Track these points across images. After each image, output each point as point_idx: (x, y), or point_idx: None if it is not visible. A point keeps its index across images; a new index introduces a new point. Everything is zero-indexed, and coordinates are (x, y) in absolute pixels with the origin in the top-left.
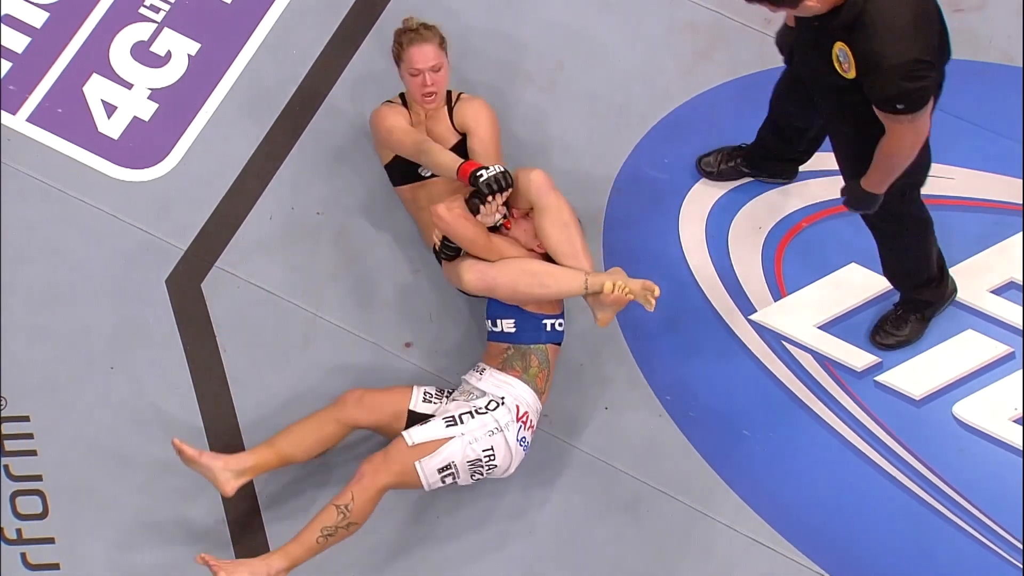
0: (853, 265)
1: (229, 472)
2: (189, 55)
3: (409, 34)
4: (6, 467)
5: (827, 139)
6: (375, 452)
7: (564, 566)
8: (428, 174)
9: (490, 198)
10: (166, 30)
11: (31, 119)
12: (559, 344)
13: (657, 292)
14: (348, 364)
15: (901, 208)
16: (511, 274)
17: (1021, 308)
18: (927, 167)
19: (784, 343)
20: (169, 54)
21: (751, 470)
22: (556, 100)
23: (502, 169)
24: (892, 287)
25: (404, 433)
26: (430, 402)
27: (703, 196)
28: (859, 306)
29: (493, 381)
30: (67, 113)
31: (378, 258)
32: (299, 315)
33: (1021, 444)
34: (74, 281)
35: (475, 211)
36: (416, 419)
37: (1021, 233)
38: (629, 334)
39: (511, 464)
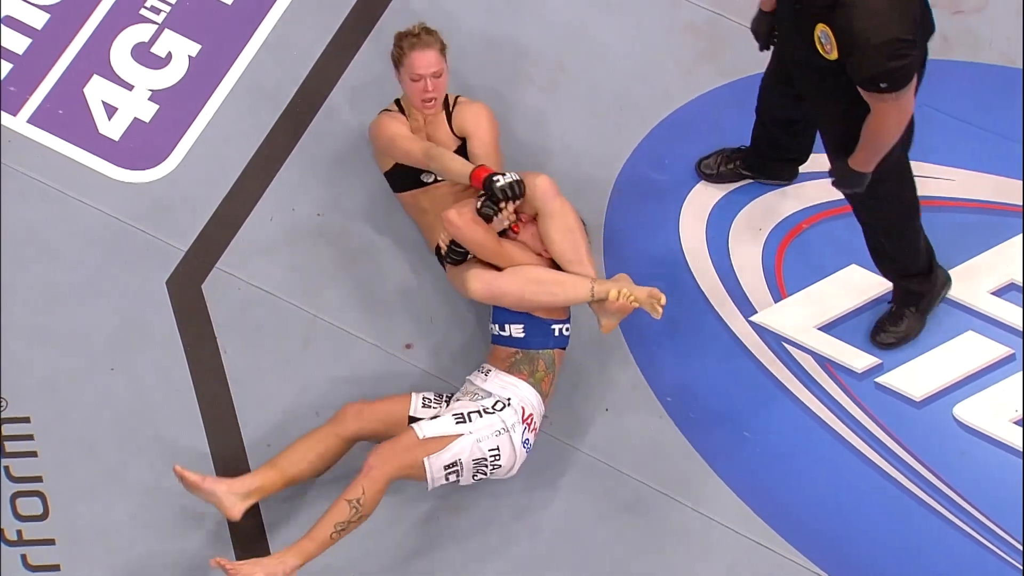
0: (853, 266)
1: (234, 496)
2: (190, 56)
3: (410, 39)
4: (6, 468)
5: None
6: (382, 444)
7: (565, 567)
8: (431, 179)
9: (503, 205)
10: (167, 31)
11: (32, 120)
12: (564, 348)
13: (663, 300)
14: (348, 365)
15: (889, 180)
16: (518, 283)
17: (1021, 309)
18: (911, 132)
19: (784, 344)
20: (170, 55)
21: (751, 471)
22: (556, 101)
23: (517, 177)
24: (888, 286)
25: (415, 426)
26: (429, 407)
27: (703, 197)
28: (859, 307)
29: (499, 383)
30: (68, 114)
31: (378, 259)
32: (299, 316)
33: (1021, 446)
34: (74, 282)
35: (488, 218)
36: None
37: (1021, 234)
38: (630, 336)
39: (514, 465)
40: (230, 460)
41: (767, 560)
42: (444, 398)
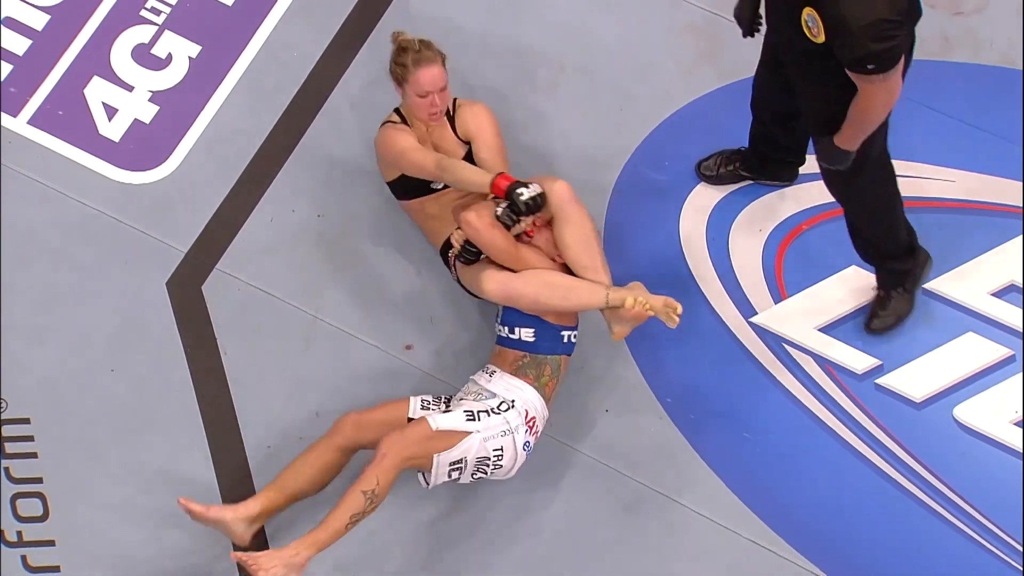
0: (853, 267)
1: (241, 522)
2: (190, 57)
3: (414, 55)
4: (6, 469)
5: None
6: (393, 432)
7: (565, 568)
8: (440, 186)
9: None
10: (167, 33)
11: (32, 121)
12: (570, 355)
13: (679, 310)
14: (348, 366)
15: (870, 172)
16: (533, 286)
17: (1021, 311)
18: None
19: (784, 345)
20: (170, 56)
21: (751, 472)
22: (556, 102)
23: (539, 189)
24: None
25: (428, 417)
26: (428, 409)
27: (703, 198)
28: (860, 308)
29: (503, 384)
30: (68, 115)
31: (379, 260)
32: (300, 317)
33: (1021, 447)
34: (74, 282)
35: (507, 225)
36: None
37: (1021, 235)
38: (630, 337)
39: (514, 467)
40: (230, 461)
41: (767, 561)
42: (443, 400)
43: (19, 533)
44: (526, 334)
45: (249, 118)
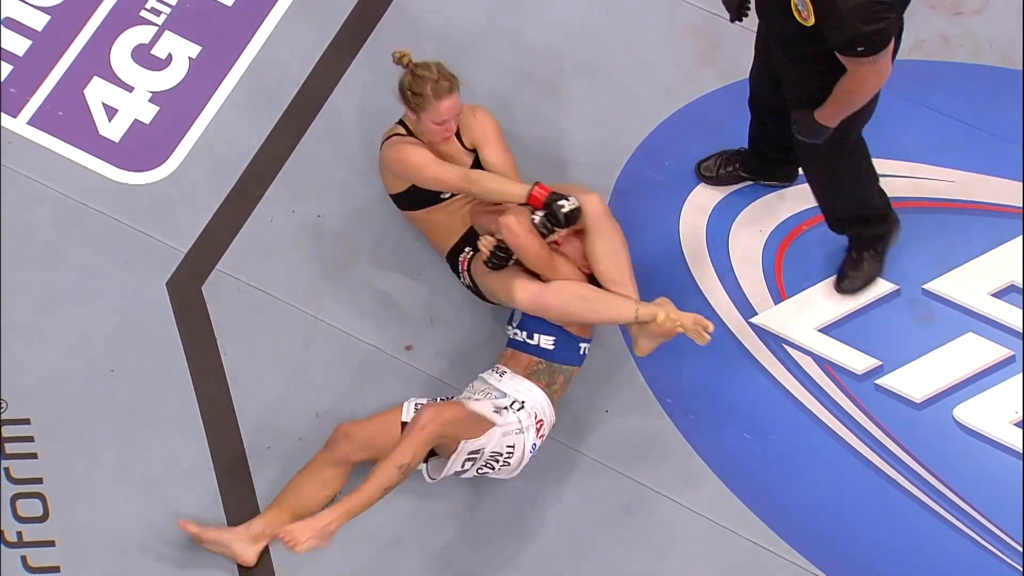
0: None
1: (242, 543)
2: (190, 58)
3: (433, 85)
4: (6, 470)
5: None
6: (430, 405)
7: (565, 568)
8: (447, 195)
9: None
10: (167, 33)
11: (32, 122)
12: (581, 367)
13: (711, 328)
14: (348, 367)
15: (844, 153)
16: (564, 297)
17: (1021, 311)
18: (872, 109)
19: (784, 346)
20: (170, 57)
21: (752, 473)
22: (556, 103)
23: (576, 203)
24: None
25: (463, 401)
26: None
27: (703, 199)
28: (860, 309)
29: (514, 385)
30: (68, 116)
31: (379, 261)
32: (300, 318)
33: (1021, 447)
34: (74, 283)
35: (543, 234)
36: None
37: (1021, 236)
38: (630, 338)
39: (519, 467)
40: (230, 461)
41: (767, 561)
42: (440, 400)
43: (19, 533)
44: (546, 342)
45: (249, 118)
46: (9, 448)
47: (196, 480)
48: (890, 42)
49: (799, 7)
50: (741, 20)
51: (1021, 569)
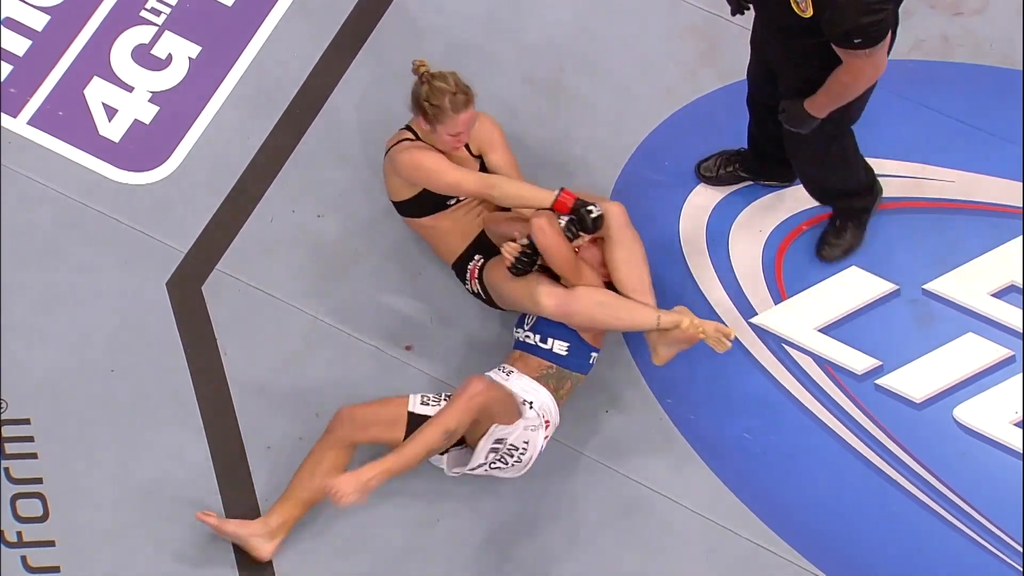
0: (853, 268)
1: (260, 538)
2: (190, 58)
3: (451, 98)
4: (6, 470)
5: None
6: (479, 378)
7: (564, 568)
8: (453, 201)
9: (583, 233)
10: (167, 33)
11: (32, 122)
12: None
13: (732, 335)
14: (348, 367)
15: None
16: (587, 304)
17: (1021, 311)
18: (863, 105)
19: (784, 346)
20: (170, 57)
21: (751, 473)
22: (556, 103)
23: (600, 211)
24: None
25: (503, 383)
26: (428, 404)
27: (703, 199)
28: (859, 309)
29: (521, 384)
30: (68, 116)
31: (379, 261)
32: (299, 318)
33: (1021, 447)
34: (74, 283)
35: (568, 239)
36: (417, 421)
37: (1021, 236)
38: (630, 338)
39: (528, 464)
40: (230, 461)
41: (767, 561)
42: (444, 397)
43: (19, 533)
44: (559, 347)
45: (249, 118)
46: (9, 448)
47: (196, 480)
48: (887, 35)
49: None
50: (743, 13)
51: (1021, 569)
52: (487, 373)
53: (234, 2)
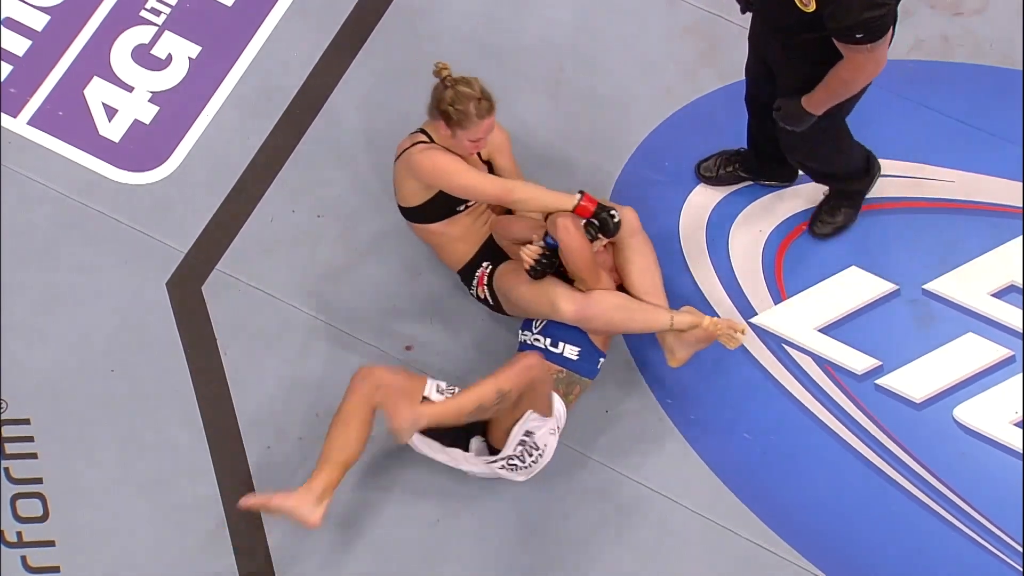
0: (853, 268)
1: (308, 506)
2: (190, 58)
3: (476, 104)
4: (6, 470)
5: None
6: (534, 355)
7: (564, 568)
8: (463, 207)
9: (601, 237)
10: (167, 33)
11: (32, 122)
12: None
13: (744, 329)
14: (348, 367)
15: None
16: (606, 308)
17: (1021, 311)
18: (861, 93)
19: (784, 346)
20: (170, 57)
21: (752, 473)
22: (556, 103)
23: (619, 216)
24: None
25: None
26: (442, 394)
27: (703, 199)
28: (859, 309)
29: None
30: (68, 116)
31: (378, 261)
32: (299, 318)
33: (1021, 447)
34: (74, 283)
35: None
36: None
37: (1021, 236)
38: (630, 338)
39: (536, 471)
40: (230, 461)
41: (767, 561)
42: (458, 390)
43: (19, 534)
44: (571, 351)
45: (249, 119)
46: (9, 448)
47: (196, 480)
48: (889, 30)
49: None
50: (752, 9)
51: (1021, 569)
52: None
53: (234, 2)
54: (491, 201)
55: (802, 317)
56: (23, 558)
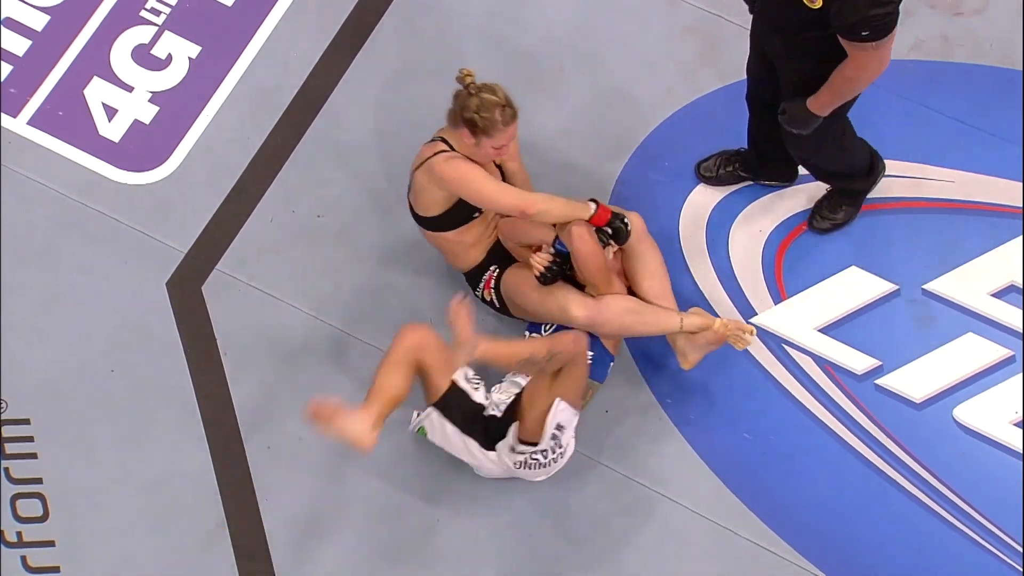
0: (853, 268)
1: (364, 429)
2: (190, 58)
3: (501, 111)
4: (6, 470)
5: None
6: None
7: (564, 568)
8: (477, 214)
9: (613, 244)
10: (167, 33)
11: (32, 122)
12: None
13: (753, 331)
14: (348, 367)
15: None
16: (617, 312)
17: (1021, 311)
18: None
19: (784, 346)
20: (170, 57)
21: (752, 473)
22: (556, 103)
23: (631, 224)
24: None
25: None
26: (468, 382)
27: (703, 199)
28: (859, 309)
29: None
30: (68, 116)
31: (378, 261)
32: (299, 318)
33: (1021, 447)
34: (74, 283)
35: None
36: (455, 392)
37: (1021, 236)
38: (630, 338)
39: (551, 473)
40: (230, 461)
41: (767, 561)
42: (484, 384)
43: (19, 534)
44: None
45: (249, 118)
46: (9, 448)
47: (196, 480)
48: (893, 29)
49: None
50: (757, 7)
51: (1021, 569)
52: (513, 378)
53: (234, 2)
54: (510, 213)
55: (802, 317)
56: (23, 558)
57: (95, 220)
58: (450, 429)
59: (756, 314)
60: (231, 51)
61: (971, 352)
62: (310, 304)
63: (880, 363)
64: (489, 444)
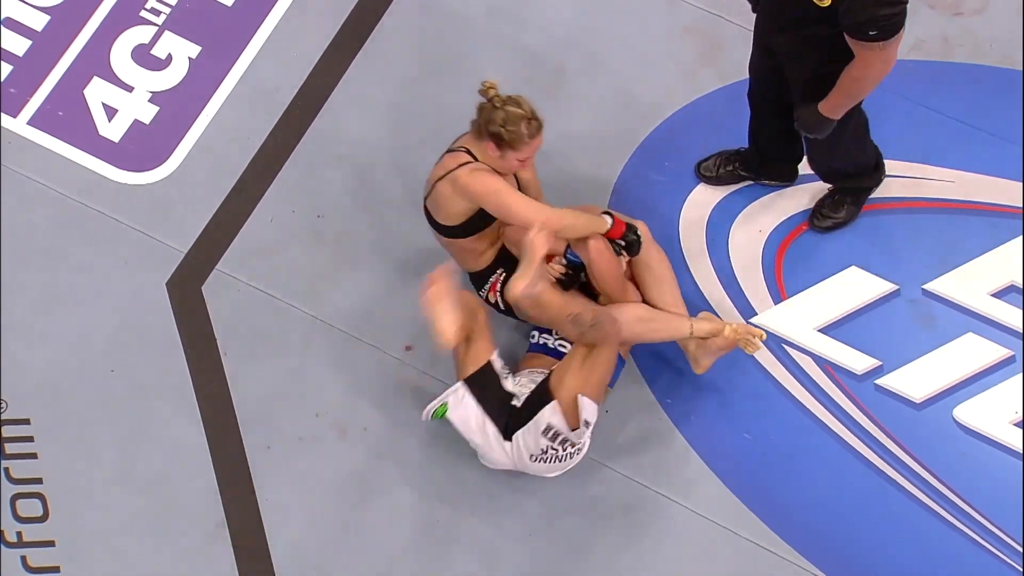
0: (853, 268)
1: (453, 324)
2: (190, 58)
3: (527, 124)
4: (6, 470)
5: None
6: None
7: (564, 568)
8: (493, 220)
9: (626, 255)
10: (167, 33)
11: (32, 122)
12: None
13: (763, 335)
14: (348, 366)
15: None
16: (630, 320)
17: (1021, 311)
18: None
19: (784, 346)
20: (170, 57)
21: (752, 473)
22: (556, 103)
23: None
24: (888, 288)
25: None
26: (503, 368)
27: (703, 199)
28: (859, 309)
29: None
30: (68, 116)
31: (378, 260)
32: (299, 318)
33: (1021, 447)
34: (74, 283)
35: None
36: (489, 371)
37: (1021, 236)
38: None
39: (562, 471)
40: (230, 461)
41: (767, 562)
42: (513, 376)
43: (19, 534)
44: None
45: (249, 118)
46: (9, 448)
47: (196, 480)
48: (901, 29)
49: None
50: (761, 4)
51: (1021, 569)
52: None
53: (234, 2)
54: (526, 225)
55: (802, 317)
56: (23, 558)
57: (95, 220)
58: (473, 408)
59: (756, 314)
60: (231, 51)
61: (971, 352)
62: (310, 304)
63: (880, 363)
64: (507, 434)
